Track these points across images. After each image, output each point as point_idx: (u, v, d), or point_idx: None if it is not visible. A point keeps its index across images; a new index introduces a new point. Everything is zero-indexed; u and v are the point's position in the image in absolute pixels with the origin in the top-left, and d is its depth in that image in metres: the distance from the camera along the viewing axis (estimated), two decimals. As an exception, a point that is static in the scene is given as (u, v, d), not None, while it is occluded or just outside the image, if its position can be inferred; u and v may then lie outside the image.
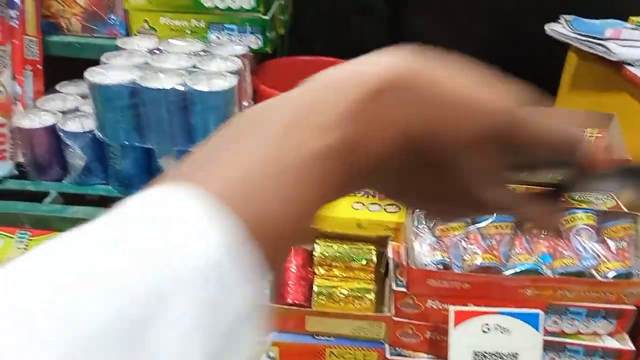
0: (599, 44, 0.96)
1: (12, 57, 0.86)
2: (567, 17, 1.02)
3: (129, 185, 0.85)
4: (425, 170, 0.28)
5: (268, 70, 1.04)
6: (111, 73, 0.80)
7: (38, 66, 0.91)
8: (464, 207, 0.32)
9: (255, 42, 0.94)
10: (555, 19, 1.03)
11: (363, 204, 0.80)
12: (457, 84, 0.27)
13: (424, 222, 0.75)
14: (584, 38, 0.97)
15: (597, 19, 1.03)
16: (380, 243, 0.76)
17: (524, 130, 0.27)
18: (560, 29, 1.00)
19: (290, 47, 1.21)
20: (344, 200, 0.75)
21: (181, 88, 0.78)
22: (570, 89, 1.05)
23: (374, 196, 0.81)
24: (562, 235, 0.75)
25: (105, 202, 0.85)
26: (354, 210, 0.79)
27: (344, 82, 0.26)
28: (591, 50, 0.97)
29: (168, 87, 0.78)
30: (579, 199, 0.82)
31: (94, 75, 0.79)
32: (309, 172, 0.24)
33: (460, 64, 0.28)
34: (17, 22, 0.86)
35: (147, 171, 0.85)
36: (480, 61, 0.29)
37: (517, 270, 0.71)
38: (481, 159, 0.28)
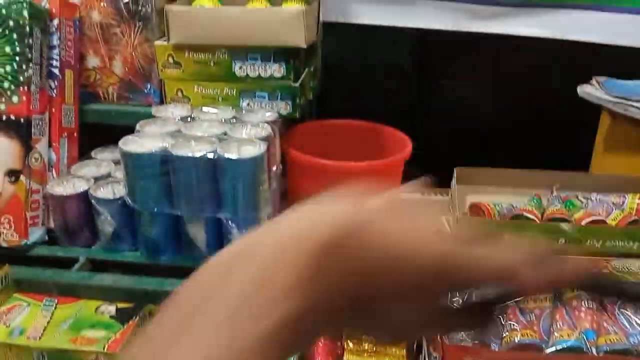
0: (633, 106, 0.94)
1: (50, 126, 0.89)
2: (600, 78, 1.01)
3: (158, 252, 0.85)
4: (365, 312, 0.29)
5: (297, 134, 1.05)
6: (144, 141, 0.81)
7: (74, 134, 0.93)
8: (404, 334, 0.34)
9: (285, 108, 0.95)
10: (587, 80, 1.02)
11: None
12: (392, 235, 0.27)
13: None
14: (617, 100, 0.95)
15: (630, 79, 1.02)
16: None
17: (460, 270, 0.28)
18: (592, 90, 0.99)
19: (318, 110, 1.23)
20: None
21: (211, 155, 0.79)
22: (605, 151, 1.03)
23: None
24: (607, 309, 0.71)
25: (133, 269, 0.85)
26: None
27: (287, 252, 0.26)
28: (625, 112, 0.95)
29: (198, 155, 0.78)
30: (623, 270, 0.78)
31: (127, 143, 0.80)
32: (263, 351, 0.24)
33: (404, 202, 0.29)
34: (56, 92, 0.89)
35: (176, 238, 0.85)
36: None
37: (559, 347, 0.67)
38: (415, 303, 0.29)
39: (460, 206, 0.86)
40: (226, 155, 0.79)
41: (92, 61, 0.96)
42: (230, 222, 0.82)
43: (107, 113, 0.96)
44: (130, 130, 0.86)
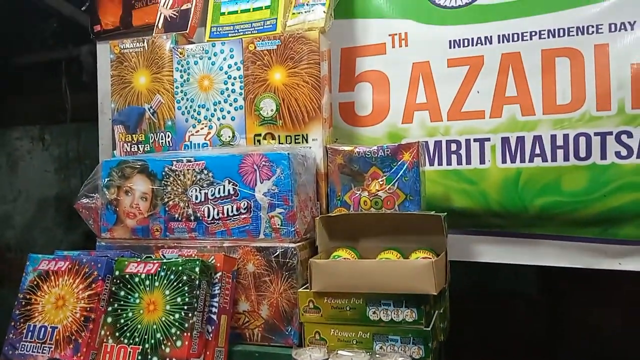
0: None
1: (203, 368, 0.98)
2: None
3: None
4: None
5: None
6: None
7: (222, 375, 1.01)
8: None
9: (417, 352, 0.97)
10: None
11: None
12: None
13: None
14: None
15: None
16: None
17: None
18: None
19: (448, 346, 1.22)
20: None
21: (350, 406, 0.81)
22: None
23: None
24: None
25: None
26: None
27: None
28: None
29: (338, 405, 0.81)
30: None
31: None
32: None
33: None
34: (212, 336, 1.00)
35: None
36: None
37: None
38: None
39: None
40: (364, 406, 0.81)
41: (243, 305, 1.08)
42: None
43: (251, 354, 1.04)
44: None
